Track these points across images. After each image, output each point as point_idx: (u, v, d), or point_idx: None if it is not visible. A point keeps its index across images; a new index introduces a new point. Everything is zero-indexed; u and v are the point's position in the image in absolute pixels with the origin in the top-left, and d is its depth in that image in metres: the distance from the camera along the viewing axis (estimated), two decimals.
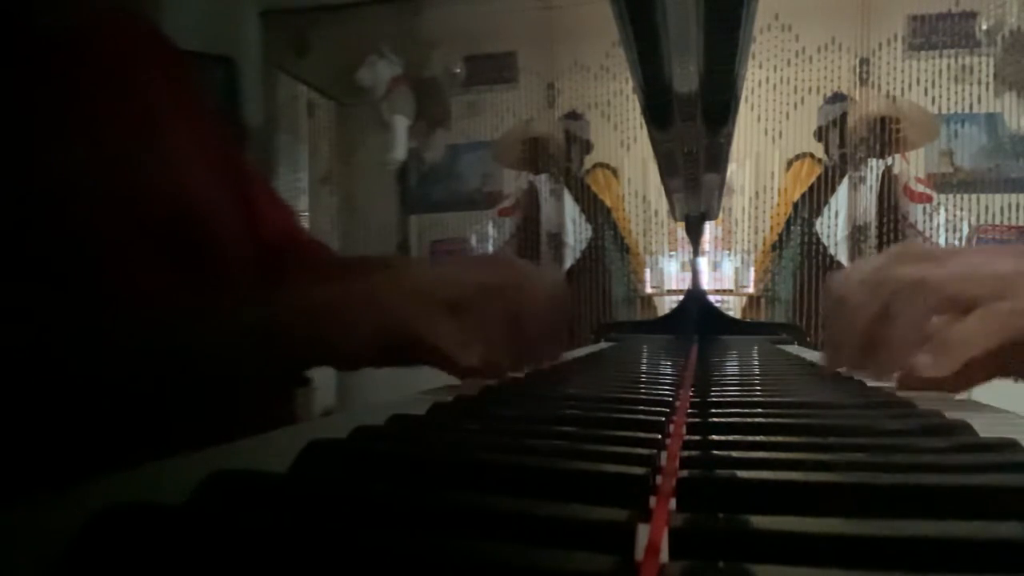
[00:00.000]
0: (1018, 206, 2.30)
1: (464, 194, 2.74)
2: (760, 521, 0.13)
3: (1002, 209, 2.31)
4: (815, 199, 2.46)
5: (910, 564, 0.12)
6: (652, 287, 2.56)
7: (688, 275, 1.09)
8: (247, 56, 2.53)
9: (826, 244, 2.45)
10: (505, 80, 2.68)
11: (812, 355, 0.66)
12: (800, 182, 2.48)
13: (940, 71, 2.35)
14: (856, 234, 2.41)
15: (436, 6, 2.66)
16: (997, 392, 0.37)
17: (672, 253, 2.53)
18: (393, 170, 2.74)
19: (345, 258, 0.66)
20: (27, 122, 0.40)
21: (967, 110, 2.33)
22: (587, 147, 2.63)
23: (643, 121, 0.48)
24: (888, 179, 2.38)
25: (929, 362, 0.32)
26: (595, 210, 2.62)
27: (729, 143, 0.53)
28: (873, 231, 2.38)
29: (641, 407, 0.27)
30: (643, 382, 0.40)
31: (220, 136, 0.58)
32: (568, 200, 2.63)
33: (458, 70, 2.70)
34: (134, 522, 0.13)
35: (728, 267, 2.51)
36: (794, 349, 0.80)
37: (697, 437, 0.22)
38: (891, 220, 2.37)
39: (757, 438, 0.23)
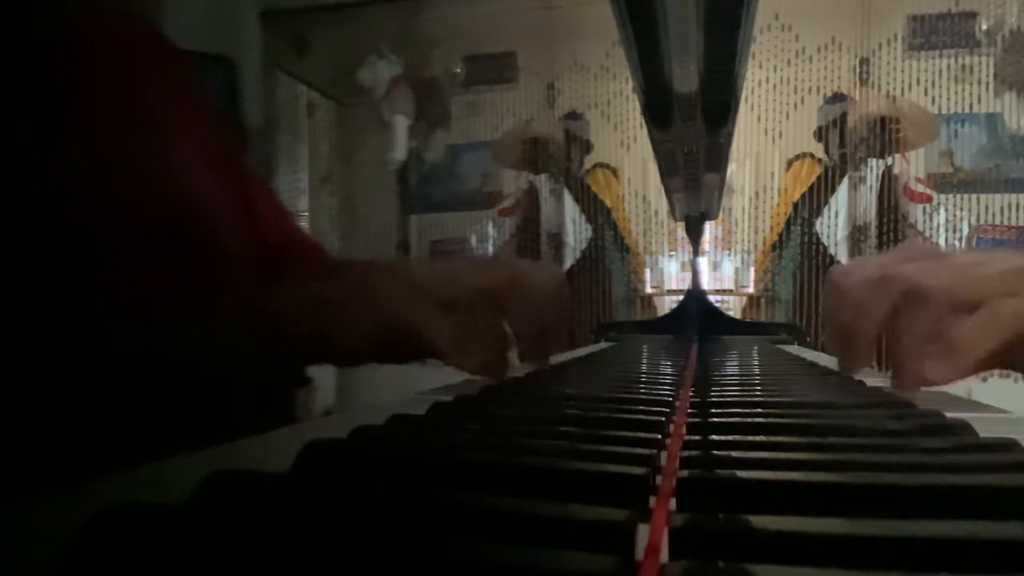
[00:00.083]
0: (1018, 206, 2.30)
1: (464, 194, 2.74)
2: (760, 521, 0.13)
3: (1002, 209, 2.31)
4: (815, 199, 2.46)
5: (910, 564, 0.12)
6: (652, 287, 2.56)
7: (688, 275, 1.09)
8: (247, 56, 2.53)
9: (826, 244, 2.45)
10: (505, 80, 2.68)
11: (812, 355, 0.66)
12: (800, 182, 2.48)
13: (940, 71, 2.35)
14: (856, 234, 2.41)
15: (436, 6, 2.66)
16: (997, 392, 0.37)
17: (672, 253, 2.53)
18: (393, 170, 2.74)
19: (343, 261, 0.66)
20: (27, 122, 0.40)
21: (967, 110, 2.33)
22: (587, 147, 2.63)
23: (643, 121, 0.48)
24: (888, 179, 2.39)
25: (938, 367, 0.32)
26: (595, 210, 2.62)
27: (729, 143, 0.53)
28: (873, 231, 2.38)
29: (641, 407, 0.27)
30: (643, 382, 0.40)
31: (220, 136, 0.58)
32: (568, 200, 2.63)
33: (458, 70, 2.70)
34: (134, 522, 0.13)
35: (728, 267, 2.51)
36: (794, 349, 0.80)
37: (697, 437, 0.22)
38: (891, 220, 2.37)
39: (757, 438, 0.23)
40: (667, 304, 2.48)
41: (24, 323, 0.34)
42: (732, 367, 0.52)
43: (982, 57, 2.31)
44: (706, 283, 1.84)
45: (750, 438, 0.23)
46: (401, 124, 2.69)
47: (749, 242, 2.52)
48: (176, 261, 0.44)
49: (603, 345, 0.93)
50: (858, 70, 2.41)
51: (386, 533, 0.13)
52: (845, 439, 0.22)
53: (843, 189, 2.43)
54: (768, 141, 2.49)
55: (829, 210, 2.44)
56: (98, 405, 0.34)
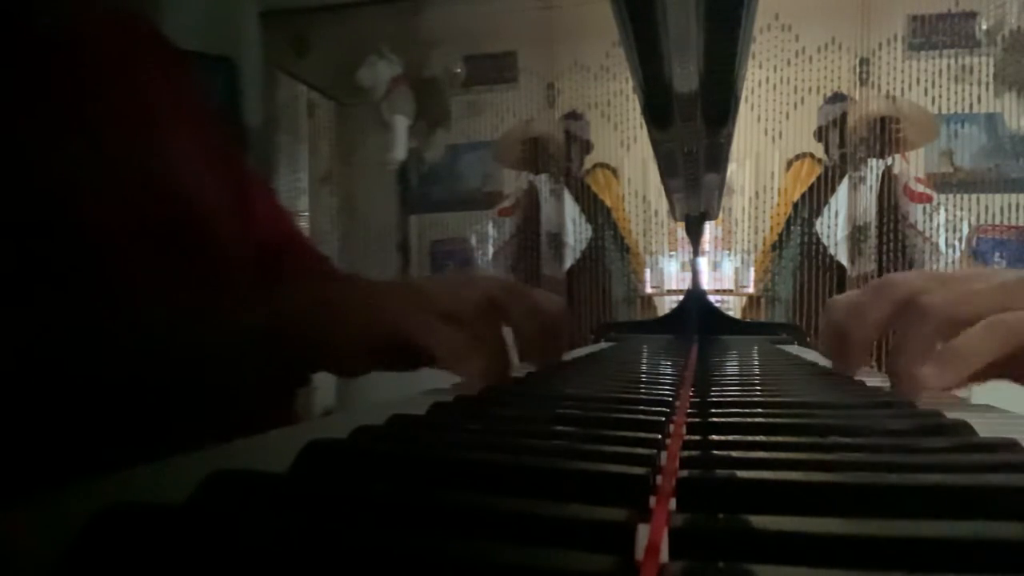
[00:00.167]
0: (1018, 206, 2.30)
1: (464, 194, 2.74)
2: (760, 521, 0.13)
3: (1002, 209, 2.31)
4: (815, 199, 2.46)
5: (910, 564, 0.12)
6: (652, 287, 2.56)
7: (688, 275, 1.09)
8: (247, 56, 2.53)
9: (826, 244, 2.45)
10: (505, 80, 2.68)
11: (812, 355, 0.66)
12: (800, 182, 2.48)
13: (940, 71, 2.35)
14: (856, 234, 2.41)
15: (436, 6, 2.66)
16: (997, 392, 0.37)
17: (672, 253, 2.53)
18: (393, 170, 2.74)
19: (342, 272, 0.67)
20: (27, 122, 0.40)
21: (967, 110, 2.33)
22: (587, 147, 2.63)
23: (643, 121, 0.48)
24: (888, 179, 2.39)
25: (934, 373, 0.32)
26: (595, 210, 2.62)
27: (729, 143, 0.53)
28: (873, 231, 2.38)
29: (641, 407, 0.27)
30: (643, 382, 0.40)
31: (220, 136, 0.58)
32: (568, 200, 2.63)
33: (458, 70, 2.70)
34: (134, 522, 0.13)
35: (728, 267, 2.51)
36: (794, 349, 0.80)
37: (697, 437, 0.22)
38: (891, 220, 2.37)
39: (757, 438, 0.23)
40: (667, 304, 2.48)
41: (24, 323, 0.34)
42: (732, 367, 0.52)
43: (982, 57, 2.31)
44: (706, 283, 1.84)
45: (750, 438, 0.23)
46: (401, 124, 2.69)
47: (749, 242, 2.52)
48: (175, 261, 0.44)
49: (603, 345, 0.93)
50: (858, 70, 2.41)
51: (386, 533, 0.13)
52: (845, 439, 0.22)
53: (843, 189, 2.43)
54: (768, 141, 2.50)
55: (829, 210, 2.45)
56: (98, 405, 0.34)
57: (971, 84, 2.32)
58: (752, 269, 2.51)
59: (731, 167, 1.05)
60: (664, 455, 0.20)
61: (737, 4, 0.31)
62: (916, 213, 2.37)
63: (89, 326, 0.36)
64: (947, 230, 2.35)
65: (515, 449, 0.20)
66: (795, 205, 2.48)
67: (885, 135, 2.37)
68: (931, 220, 2.36)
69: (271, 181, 2.51)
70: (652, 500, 0.16)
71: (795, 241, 2.48)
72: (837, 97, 2.43)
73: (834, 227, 2.44)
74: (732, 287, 2.51)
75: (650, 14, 0.31)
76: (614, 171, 2.61)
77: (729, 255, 2.52)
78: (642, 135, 2.12)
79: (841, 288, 2.36)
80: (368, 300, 0.39)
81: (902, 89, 2.38)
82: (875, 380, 0.40)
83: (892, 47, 2.39)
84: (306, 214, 2.74)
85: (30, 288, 0.36)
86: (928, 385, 0.32)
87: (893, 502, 0.15)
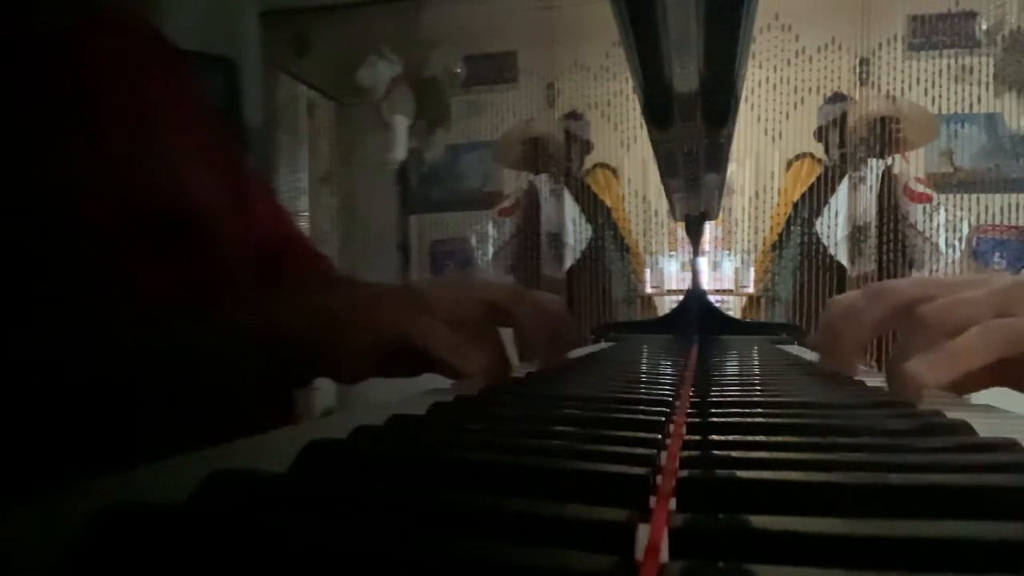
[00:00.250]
0: (1018, 206, 2.30)
1: (464, 194, 2.74)
2: (760, 521, 0.13)
3: (1002, 209, 2.31)
4: (815, 199, 2.46)
5: (910, 564, 0.12)
6: (652, 287, 2.56)
7: (688, 275, 1.09)
8: (247, 56, 2.53)
9: (826, 244, 2.45)
10: (505, 80, 2.68)
11: (812, 355, 0.66)
12: (800, 182, 2.48)
13: (940, 71, 2.35)
14: (856, 234, 2.41)
15: (436, 6, 2.66)
16: (997, 392, 0.37)
17: (672, 253, 2.53)
18: (393, 170, 2.74)
19: (341, 275, 0.67)
20: (27, 122, 0.40)
21: (967, 110, 2.33)
22: (587, 147, 2.63)
23: (643, 121, 0.48)
24: (888, 179, 2.38)
25: (924, 370, 0.32)
26: (595, 210, 2.62)
27: (729, 143, 0.53)
28: (873, 231, 2.38)
29: (641, 407, 0.27)
30: (643, 382, 0.40)
31: (220, 136, 0.58)
32: (568, 200, 2.62)
33: (458, 70, 2.70)
34: (134, 522, 0.13)
35: (728, 267, 2.51)
36: (794, 349, 0.80)
37: (697, 437, 0.22)
38: (891, 220, 2.37)
39: (757, 438, 0.23)
40: (667, 304, 2.48)
41: (24, 323, 0.34)
42: (732, 367, 0.52)
43: (982, 57, 2.31)
44: (706, 283, 1.84)
45: (750, 438, 0.23)
46: (401, 124, 2.69)
47: (749, 242, 2.52)
48: (175, 261, 0.44)
49: (603, 345, 0.93)
50: (858, 70, 2.41)
51: (386, 533, 0.13)
52: (845, 439, 0.22)
53: (843, 189, 2.43)
54: (768, 141, 2.49)
55: (829, 210, 2.44)
56: (98, 405, 0.34)
57: (971, 84, 2.32)
58: (752, 269, 2.51)
59: (731, 167, 1.05)
60: (664, 455, 0.20)
61: (737, 4, 0.31)
62: (916, 213, 2.37)
63: (89, 326, 0.36)
64: (947, 230, 2.35)
65: (515, 449, 0.20)
66: (795, 205, 2.48)
67: (885, 135, 2.37)
68: (931, 220, 2.36)
69: (271, 181, 2.51)
70: (652, 500, 0.16)
71: (795, 241, 2.48)
72: (837, 97, 2.43)
73: (834, 227, 2.44)
74: (732, 287, 2.51)
75: (650, 14, 0.31)
76: (614, 171, 2.61)
77: (729, 255, 2.52)
78: (642, 135, 2.12)
79: (841, 288, 2.36)
80: (368, 306, 0.39)
81: (902, 89, 2.38)
82: (875, 380, 0.40)
83: (892, 47, 2.39)
84: (306, 214, 2.74)
85: (30, 288, 0.36)
86: (918, 381, 0.32)
87: (893, 502, 0.15)
